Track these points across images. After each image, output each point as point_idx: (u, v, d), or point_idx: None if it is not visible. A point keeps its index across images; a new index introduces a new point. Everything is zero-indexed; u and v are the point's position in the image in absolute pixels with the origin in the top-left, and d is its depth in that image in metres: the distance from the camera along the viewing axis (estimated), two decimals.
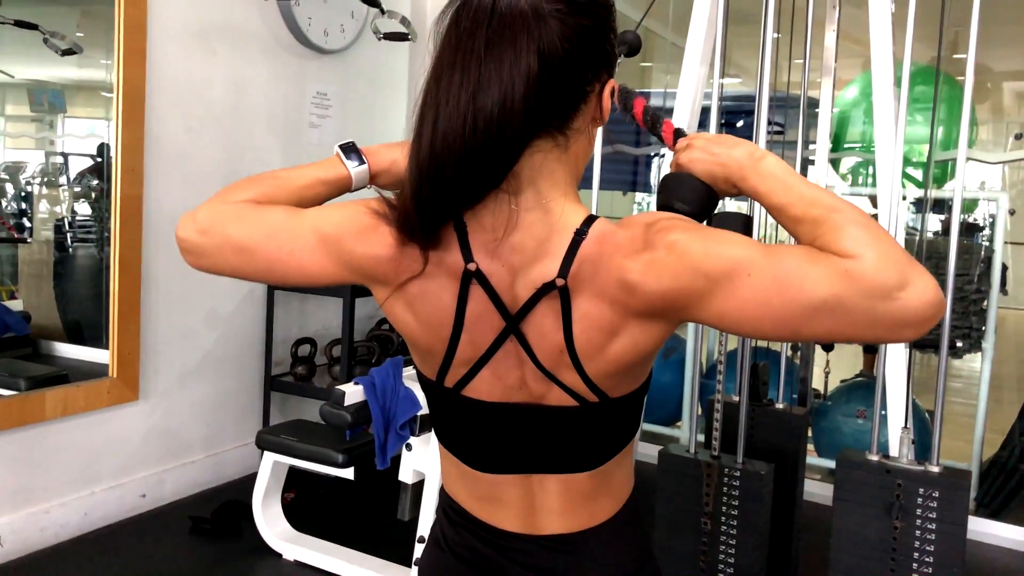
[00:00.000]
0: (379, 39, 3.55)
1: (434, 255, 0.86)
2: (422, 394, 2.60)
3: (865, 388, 4.06)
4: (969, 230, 4.59)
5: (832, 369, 3.29)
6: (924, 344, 2.74)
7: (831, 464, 3.71)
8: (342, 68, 3.93)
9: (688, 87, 2.74)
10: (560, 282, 0.84)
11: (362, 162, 1.03)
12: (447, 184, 0.81)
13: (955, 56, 4.50)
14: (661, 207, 0.93)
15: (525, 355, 0.88)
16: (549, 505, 0.94)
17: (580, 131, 0.87)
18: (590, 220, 0.86)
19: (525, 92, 0.79)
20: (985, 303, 3.58)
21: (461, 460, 0.97)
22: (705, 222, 0.93)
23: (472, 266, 0.86)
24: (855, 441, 3.67)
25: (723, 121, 3.50)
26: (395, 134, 4.34)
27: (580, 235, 0.84)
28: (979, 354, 3.61)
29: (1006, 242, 3.74)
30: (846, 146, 4.30)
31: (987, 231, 4.68)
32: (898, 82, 2.37)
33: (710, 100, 2.44)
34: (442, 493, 1.04)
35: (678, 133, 0.98)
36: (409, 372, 2.76)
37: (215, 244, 0.94)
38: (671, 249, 0.80)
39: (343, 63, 3.93)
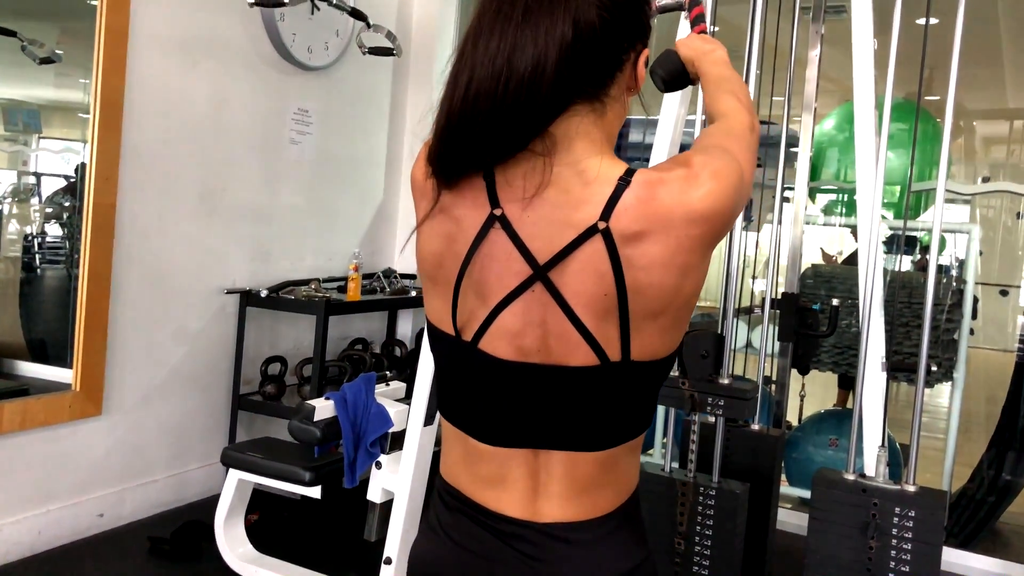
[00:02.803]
0: (364, 53, 3.55)
1: (455, 196, 0.90)
2: (394, 409, 2.56)
3: (836, 417, 4.06)
4: (938, 268, 4.65)
5: (807, 394, 3.29)
6: (901, 368, 2.75)
7: (803, 493, 3.70)
8: (325, 85, 3.93)
9: (667, 122, 2.75)
10: (602, 225, 0.84)
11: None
12: (474, 139, 0.85)
13: (928, 97, 4.59)
14: (649, 70, 1.05)
15: (553, 306, 0.87)
16: (553, 489, 0.92)
17: (615, 98, 0.92)
18: (631, 171, 0.87)
19: (558, 59, 0.83)
20: (956, 334, 3.61)
21: (468, 432, 0.95)
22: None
23: (498, 211, 0.88)
24: None
25: None
26: (377, 152, 4.33)
27: (624, 182, 0.86)
28: (947, 388, 3.63)
29: (977, 283, 3.80)
30: (823, 187, 4.36)
31: (955, 269, 4.75)
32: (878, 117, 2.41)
33: (691, 133, 2.45)
34: (439, 479, 1.02)
35: (698, 19, 1.20)
36: (381, 389, 2.71)
37: None
38: (726, 175, 0.87)
39: (326, 80, 3.93)
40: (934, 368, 3.21)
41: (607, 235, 0.84)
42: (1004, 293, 9.04)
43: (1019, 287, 8.38)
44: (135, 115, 3.06)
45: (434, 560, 0.99)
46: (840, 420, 4.03)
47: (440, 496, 1.01)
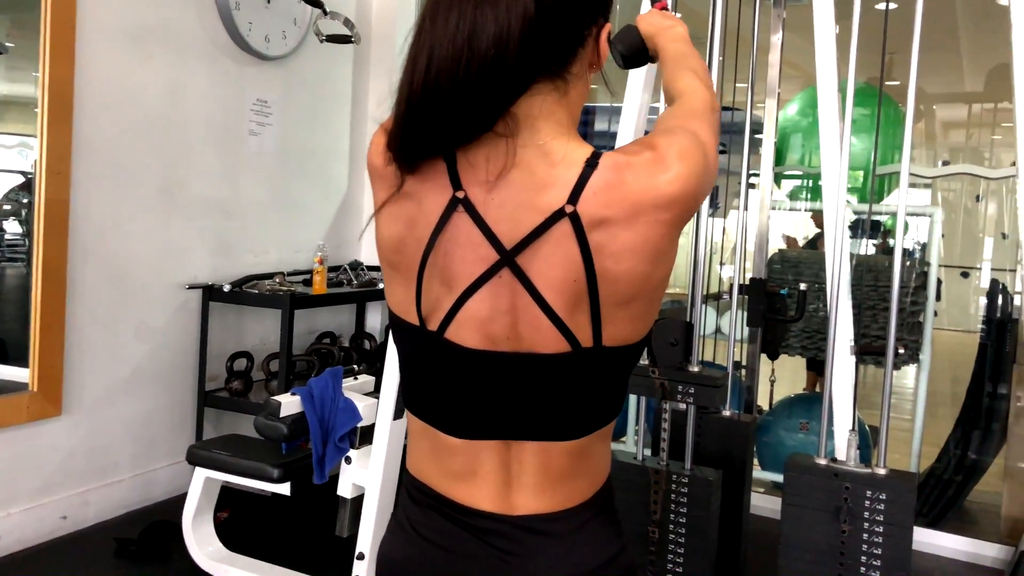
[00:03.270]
0: (321, 41, 3.48)
1: (416, 180, 0.86)
2: (363, 403, 2.52)
3: (807, 401, 4.10)
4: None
5: (777, 379, 3.30)
6: (870, 351, 2.77)
7: (776, 477, 3.72)
8: (284, 75, 3.85)
9: (631, 109, 2.74)
10: (569, 208, 0.82)
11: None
12: (436, 120, 0.81)
13: (887, 83, 4.63)
14: (609, 44, 1.03)
15: (521, 292, 0.84)
16: (525, 481, 0.90)
17: (578, 76, 0.89)
18: (598, 154, 0.85)
19: (521, 35, 0.81)
20: (921, 316, 3.65)
21: (437, 426, 0.92)
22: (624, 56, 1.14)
23: (460, 194, 0.85)
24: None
25: None
26: (340, 143, 4.27)
27: (591, 166, 0.83)
28: (912, 370, 3.67)
29: (940, 265, 3.84)
30: (788, 172, 4.38)
31: (918, 252, 4.81)
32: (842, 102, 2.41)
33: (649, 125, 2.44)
34: (406, 474, 0.98)
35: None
36: (349, 383, 2.67)
37: None
38: (691, 155, 0.85)
39: (285, 70, 3.85)
40: (901, 350, 3.23)
41: (575, 219, 0.81)
42: (965, 275, 9.21)
43: (979, 269, 8.55)
44: (86, 107, 2.97)
45: (404, 559, 0.95)
46: (810, 404, 4.06)
47: (408, 492, 0.97)
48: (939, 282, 3.81)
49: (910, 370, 4.65)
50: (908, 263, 3.82)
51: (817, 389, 4.53)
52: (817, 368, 4.55)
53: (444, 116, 0.81)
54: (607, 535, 0.94)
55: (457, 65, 0.79)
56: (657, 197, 0.82)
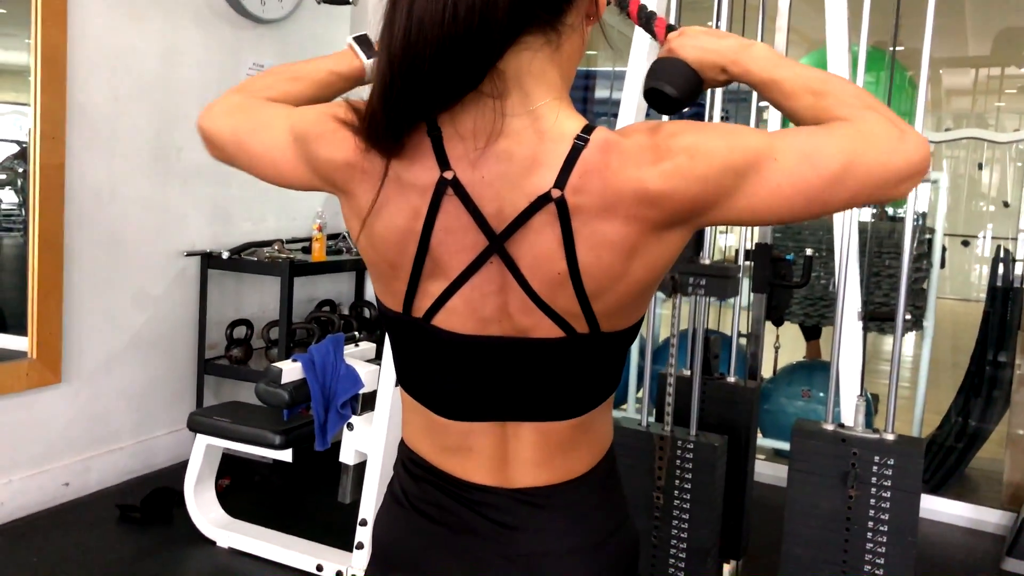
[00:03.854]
0: (318, 3, 3.41)
1: (401, 164, 0.79)
2: (365, 370, 2.51)
3: (808, 369, 4.09)
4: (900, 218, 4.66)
5: (781, 345, 3.28)
6: (878, 318, 2.75)
7: (777, 444, 3.73)
8: (280, 39, 3.78)
9: (636, 76, 2.67)
10: (556, 193, 0.75)
11: (375, 53, 0.98)
12: (421, 79, 0.73)
13: (892, 48, 4.56)
14: (648, 91, 0.88)
15: (511, 280, 0.79)
16: (523, 455, 0.86)
17: (573, 28, 0.80)
18: (590, 128, 0.77)
19: None
20: (925, 283, 3.62)
21: (428, 407, 0.88)
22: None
23: (448, 174, 0.78)
24: None
25: None
26: None
27: (581, 142, 0.76)
28: (910, 338, 3.65)
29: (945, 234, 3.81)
30: None
31: (919, 219, 4.77)
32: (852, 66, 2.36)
33: None
34: (402, 447, 0.95)
35: (670, 28, 0.94)
36: (350, 349, 2.65)
37: (222, 136, 0.95)
38: (692, 153, 0.75)
39: (281, 33, 3.78)
40: (908, 317, 3.22)
41: (561, 206, 0.75)
42: (966, 244, 9.18)
43: (979, 237, 8.51)
44: (80, 72, 2.92)
45: (400, 534, 0.91)
46: (811, 371, 4.05)
47: (403, 464, 0.93)
48: (944, 249, 3.79)
49: (909, 337, 4.64)
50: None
51: (817, 357, 4.51)
52: (813, 336, 4.53)
53: (430, 71, 0.73)
54: (610, 507, 0.91)
55: (443, 11, 0.72)
56: (638, 191, 0.74)
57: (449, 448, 0.88)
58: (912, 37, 3.37)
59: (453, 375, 0.85)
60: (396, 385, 2.44)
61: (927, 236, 3.73)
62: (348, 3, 3.37)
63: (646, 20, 0.96)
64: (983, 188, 8.38)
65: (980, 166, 8.49)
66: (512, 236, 0.77)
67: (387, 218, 0.80)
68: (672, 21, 2.43)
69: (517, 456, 0.86)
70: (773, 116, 3.30)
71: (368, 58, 1.01)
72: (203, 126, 0.96)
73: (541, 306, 0.79)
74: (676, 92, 0.86)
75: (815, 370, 4.08)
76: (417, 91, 0.74)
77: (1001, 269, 3.61)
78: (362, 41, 1.02)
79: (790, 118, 0.84)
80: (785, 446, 3.68)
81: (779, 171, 0.75)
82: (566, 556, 0.87)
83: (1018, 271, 3.67)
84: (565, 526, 0.87)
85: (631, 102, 2.68)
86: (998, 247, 3.92)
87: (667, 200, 0.74)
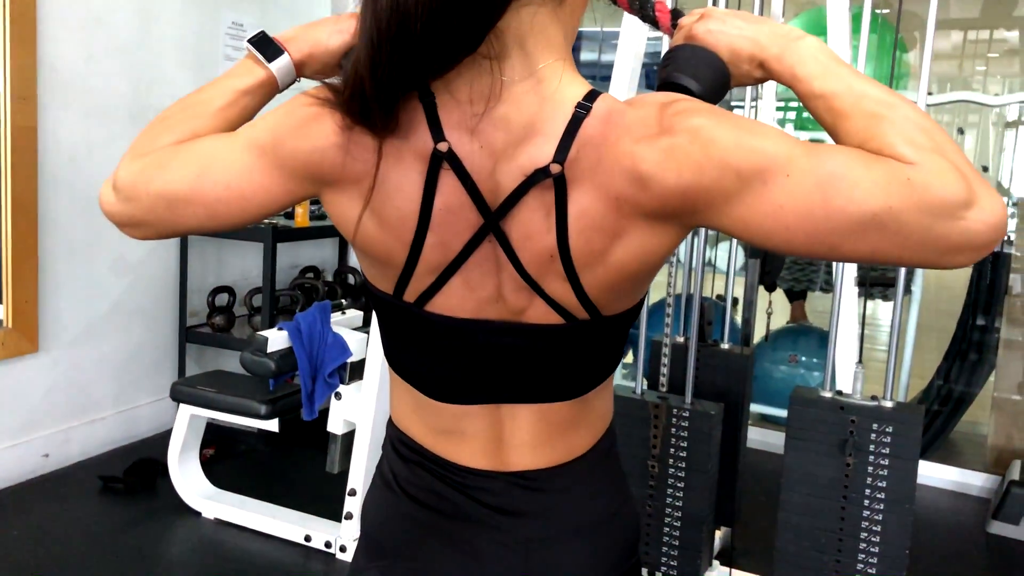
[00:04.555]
0: None
1: (393, 140, 0.70)
2: (353, 338, 2.46)
3: (795, 334, 4.09)
4: None
5: (775, 311, 3.27)
6: (881, 283, 2.73)
7: (763, 409, 3.73)
8: None
9: (628, 45, 2.59)
10: (555, 168, 0.68)
11: (280, 52, 0.85)
12: (413, 42, 0.65)
13: (880, 11, 4.50)
14: (664, 84, 0.76)
15: (505, 259, 0.73)
16: (520, 438, 0.81)
17: None
18: (593, 95, 0.70)
19: None
20: None
21: (419, 390, 0.83)
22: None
23: (443, 146, 0.70)
24: (786, 386, 3.69)
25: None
26: None
27: (583, 110, 0.68)
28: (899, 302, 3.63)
29: None
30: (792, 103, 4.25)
31: None
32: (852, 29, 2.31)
33: (648, 58, 2.32)
34: (390, 426, 0.89)
35: (676, 14, 0.82)
36: (337, 317, 2.60)
37: (145, 207, 0.78)
38: (695, 136, 0.65)
39: None
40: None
41: (559, 182, 0.68)
42: None
43: None
44: (51, 29, 2.80)
45: (391, 520, 0.86)
46: (796, 336, 4.05)
47: (393, 445, 0.88)
48: None
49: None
50: None
51: (801, 319, 4.51)
52: (799, 296, 4.51)
53: (422, 34, 0.65)
54: (610, 488, 0.87)
55: None
56: (629, 167, 0.66)
57: (441, 430, 0.83)
58: None
59: (446, 360, 0.79)
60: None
61: None
62: None
63: (640, 6, 0.82)
64: (965, 153, 8.39)
65: (961, 131, 8.50)
66: (507, 214, 0.71)
67: (384, 201, 0.72)
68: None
69: (514, 438, 0.81)
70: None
71: (271, 61, 0.84)
72: (118, 211, 0.79)
73: (534, 287, 0.73)
74: (701, 88, 0.73)
75: (800, 335, 4.08)
76: (408, 56, 0.65)
77: None
78: (260, 43, 0.84)
79: (833, 137, 0.70)
80: (772, 411, 3.69)
81: (786, 191, 0.63)
82: (566, 541, 0.83)
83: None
84: (565, 510, 0.83)
85: (623, 75, 2.60)
86: None
87: (656, 184, 0.65)
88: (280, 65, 0.84)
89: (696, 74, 0.74)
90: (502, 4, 0.67)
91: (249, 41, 0.85)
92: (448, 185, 0.71)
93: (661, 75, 0.76)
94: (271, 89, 0.86)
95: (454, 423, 0.82)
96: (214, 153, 0.77)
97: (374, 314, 2.37)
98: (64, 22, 2.85)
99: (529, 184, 0.69)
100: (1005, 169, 7.08)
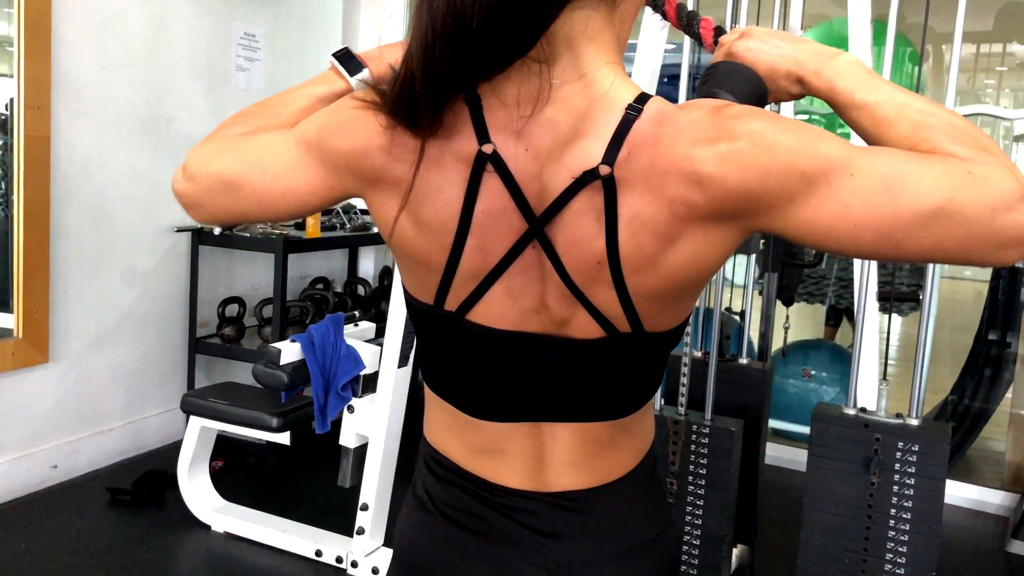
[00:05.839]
0: None
1: (435, 142, 0.69)
2: (366, 351, 2.43)
3: (806, 348, 4.05)
4: None
5: (791, 326, 3.23)
6: (904, 299, 2.70)
7: (779, 425, 3.69)
8: (272, 8, 3.66)
9: (648, 49, 2.57)
10: (605, 170, 0.66)
11: (361, 67, 0.89)
12: (467, 41, 0.64)
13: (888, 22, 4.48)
14: (702, 97, 0.76)
15: (548, 265, 0.71)
16: (561, 457, 0.79)
17: None
18: (645, 97, 0.68)
19: None
20: None
21: (457, 406, 0.81)
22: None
23: (488, 148, 0.68)
24: (800, 400, 3.65)
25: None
26: None
27: (634, 112, 0.67)
28: (911, 318, 3.61)
29: None
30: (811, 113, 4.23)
31: None
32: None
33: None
34: (424, 445, 0.87)
35: (719, 31, 0.83)
36: (350, 329, 2.57)
37: (203, 188, 0.83)
38: (757, 140, 0.64)
39: (273, 2, 3.66)
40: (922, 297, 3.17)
41: (609, 184, 0.66)
42: None
43: None
44: (65, 39, 2.80)
45: (427, 541, 0.84)
46: (808, 351, 4.01)
47: (427, 464, 0.86)
48: None
49: (911, 317, 4.60)
50: None
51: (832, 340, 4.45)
52: (835, 323, 4.43)
53: (477, 34, 0.64)
54: (653, 509, 0.85)
55: None
56: (686, 170, 0.65)
57: (480, 449, 0.81)
58: (913, 12, 3.27)
59: (487, 373, 0.77)
60: (400, 367, 2.37)
61: None
62: None
63: (687, 22, 0.84)
64: None
65: None
66: (553, 219, 0.69)
67: (425, 204, 0.71)
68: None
69: (554, 458, 0.79)
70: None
71: (352, 75, 0.89)
72: (182, 190, 0.84)
73: (578, 296, 0.71)
74: (738, 102, 0.74)
75: (811, 349, 4.04)
76: (462, 55, 0.65)
77: None
78: (344, 57, 0.90)
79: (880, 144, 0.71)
80: (787, 426, 3.65)
81: (852, 190, 0.63)
82: (607, 564, 0.80)
83: None
84: (606, 532, 0.80)
85: (642, 79, 2.58)
86: None
87: (717, 185, 0.64)
88: (360, 79, 0.90)
89: (734, 88, 0.76)
90: (558, 5, 0.66)
91: (333, 55, 0.91)
92: (491, 189, 0.70)
93: (701, 89, 0.78)
94: None
95: (493, 441, 0.80)
96: (268, 145, 0.80)
97: (390, 321, 2.35)
98: (79, 32, 2.85)
99: (577, 187, 0.68)
100: None
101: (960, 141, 0.66)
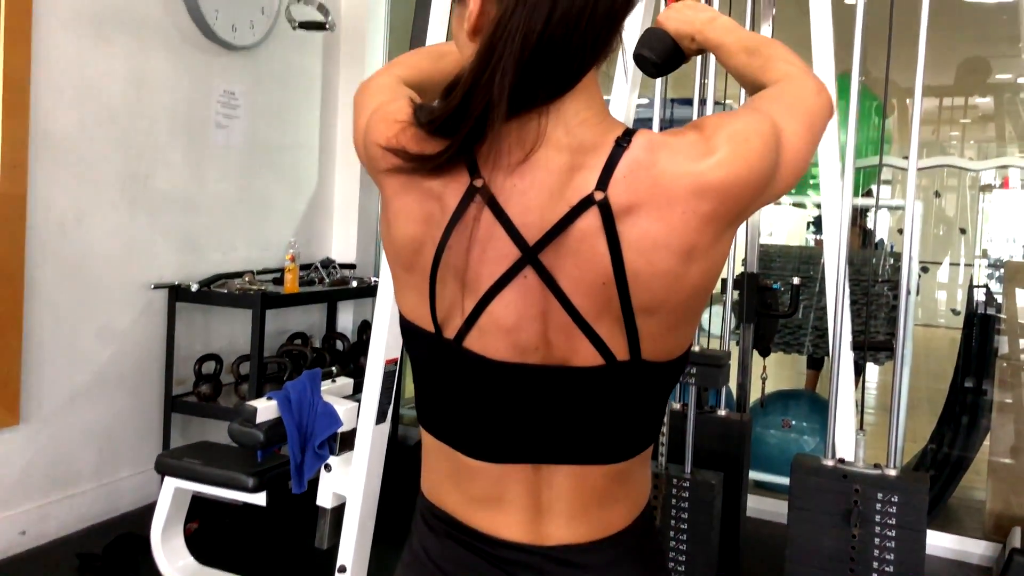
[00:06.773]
0: (294, 27, 3.34)
1: (439, 174, 0.76)
2: (343, 407, 2.41)
3: (784, 398, 4.06)
4: (866, 237, 4.66)
5: (769, 376, 3.25)
6: (878, 347, 2.73)
7: (758, 476, 3.68)
8: (252, 66, 3.70)
9: (619, 109, 2.63)
10: (599, 195, 0.72)
11: None
12: (544, 71, 0.72)
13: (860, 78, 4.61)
14: (635, 56, 0.98)
15: (551, 299, 0.74)
16: (558, 507, 0.80)
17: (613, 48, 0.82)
18: (630, 132, 0.75)
19: None
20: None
21: (455, 447, 0.82)
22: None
23: (478, 182, 0.74)
24: (780, 451, 3.65)
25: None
26: (309, 137, 4.12)
27: (621, 144, 0.74)
28: (887, 366, 3.63)
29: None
30: None
31: (891, 245, 4.80)
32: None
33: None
34: (421, 499, 0.88)
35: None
36: (327, 385, 2.55)
37: (357, 109, 0.91)
38: (745, 136, 0.75)
39: (253, 61, 3.70)
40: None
41: (604, 208, 0.71)
42: (925, 270, 9.35)
43: (940, 264, 8.66)
44: (44, 97, 2.81)
45: None
46: (787, 401, 4.02)
47: (424, 519, 0.87)
48: (919, 275, 3.80)
49: (885, 366, 4.64)
50: (884, 257, 3.81)
51: (814, 389, 4.47)
52: (816, 366, 4.47)
53: (555, 65, 0.72)
54: (649, 566, 0.85)
55: (583, 9, 0.72)
56: (696, 184, 0.71)
57: (478, 499, 0.81)
58: (875, 67, 3.37)
59: (484, 407, 0.79)
60: (378, 423, 2.35)
61: (897, 263, 3.74)
62: (324, 29, 3.32)
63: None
64: (943, 215, 8.54)
65: (937, 194, 8.68)
66: (548, 246, 0.73)
67: (411, 221, 0.78)
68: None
69: (551, 507, 0.80)
70: None
71: None
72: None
73: (582, 325, 0.74)
74: (655, 57, 0.97)
75: (790, 399, 4.05)
76: (533, 82, 0.72)
77: (980, 296, 3.63)
78: None
79: (733, 74, 0.95)
80: (768, 478, 3.64)
81: (788, 133, 0.78)
82: None
83: (979, 297, 3.69)
84: None
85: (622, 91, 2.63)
86: (970, 277, 3.95)
87: (729, 188, 0.72)
88: None
89: (653, 47, 0.98)
90: (590, 64, 0.76)
91: None
92: (476, 215, 0.74)
93: (634, 51, 0.99)
94: None
95: (492, 488, 0.81)
96: (374, 102, 0.87)
97: (366, 382, 2.34)
98: (57, 89, 2.86)
99: (575, 215, 0.72)
100: (981, 231, 7.18)
101: (788, 61, 0.89)
